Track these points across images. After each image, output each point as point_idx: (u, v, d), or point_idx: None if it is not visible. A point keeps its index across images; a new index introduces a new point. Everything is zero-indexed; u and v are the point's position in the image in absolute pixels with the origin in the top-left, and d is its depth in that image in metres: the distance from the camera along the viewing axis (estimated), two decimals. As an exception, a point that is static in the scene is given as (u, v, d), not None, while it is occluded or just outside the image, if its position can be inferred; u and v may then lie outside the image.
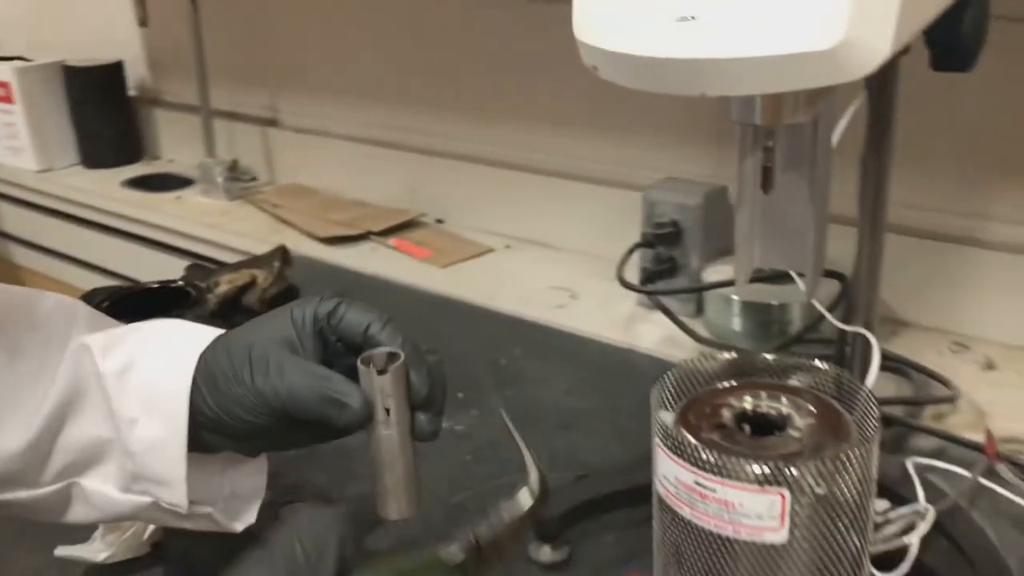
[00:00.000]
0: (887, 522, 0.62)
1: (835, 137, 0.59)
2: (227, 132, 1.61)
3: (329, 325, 0.55)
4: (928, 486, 0.67)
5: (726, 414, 0.55)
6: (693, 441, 0.51)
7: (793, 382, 0.59)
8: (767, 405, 0.56)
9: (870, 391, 0.55)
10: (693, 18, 0.39)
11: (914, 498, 0.65)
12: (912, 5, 0.39)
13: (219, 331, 0.57)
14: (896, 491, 0.66)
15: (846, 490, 0.50)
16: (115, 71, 1.72)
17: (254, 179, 1.61)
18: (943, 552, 0.62)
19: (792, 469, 0.49)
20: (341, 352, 0.55)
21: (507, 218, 1.30)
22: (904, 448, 0.77)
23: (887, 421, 0.79)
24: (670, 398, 0.57)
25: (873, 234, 0.59)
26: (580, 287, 1.14)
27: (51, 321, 0.58)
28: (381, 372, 0.50)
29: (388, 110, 1.41)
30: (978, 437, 0.75)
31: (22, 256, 1.85)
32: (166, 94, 1.77)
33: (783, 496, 0.49)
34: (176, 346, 0.56)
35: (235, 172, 1.52)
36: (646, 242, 1.01)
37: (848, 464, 0.49)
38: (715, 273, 1.00)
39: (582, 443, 0.82)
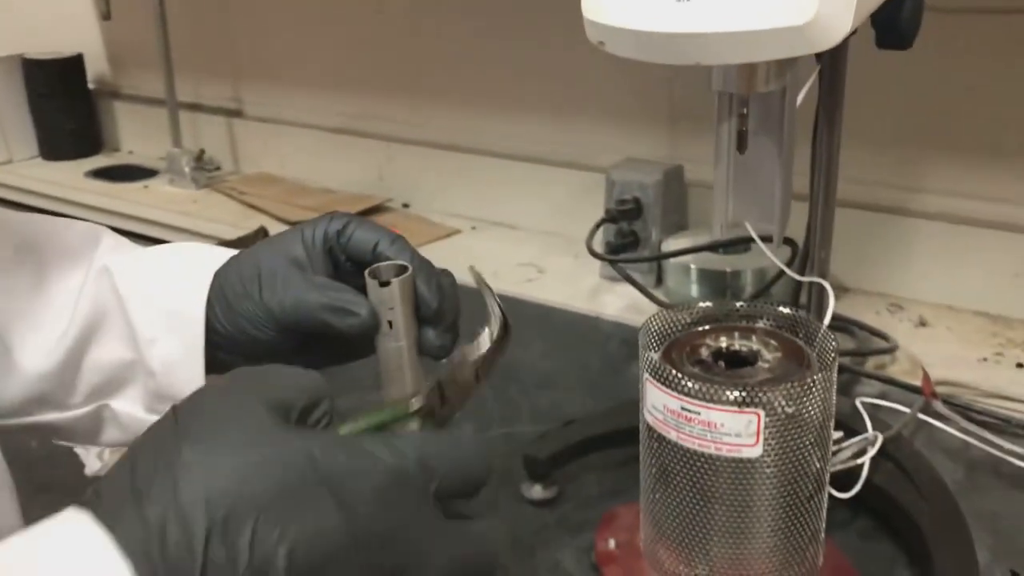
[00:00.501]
0: (841, 449, 0.71)
1: (798, 102, 0.67)
2: (191, 123, 1.65)
3: (339, 244, 0.55)
4: (875, 420, 0.76)
5: (704, 352, 0.63)
6: (678, 373, 0.59)
7: (760, 325, 0.67)
8: (739, 343, 0.64)
9: (826, 327, 0.63)
10: (688, -2, 0.47)
11: (864, 429, 0.74)
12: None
13: (234, 252, 0.58)
14: (848, 424, 0.75)
15: (811, 410, 0.58)
16: (75, 64, 1.74)
17: (218, 168, 1.64)
18: (890, 473, 0.71)
19: (765, 392, 0.57)
20: (351, 271, 0.55)
21: (472, 201, 1.36)
22: (853, 393, 0.86)
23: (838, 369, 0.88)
24: (654, 340, 0.65)
25: (827, 197, 0.67)
26: (546, 263, 1.21)
27: (76, 245, 0.59)
28: (385, 284, 0.50)
29: (351, 98, 1.47)
30: (916, 382, 0.84)
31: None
32: (126, 87, 1.79)
33: (758, 415, 0.57)
34: (192, 266, 0.57)
35: (201, 162, 1.56)
36: (610, 218, 1.09)
37: (812, 387, 0.58)
38: (673, 244, 1.09)
39: (561, 399, 0.90)
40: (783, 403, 0.57)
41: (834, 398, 0.61)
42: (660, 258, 1.07)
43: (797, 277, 0.72)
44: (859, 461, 0.68)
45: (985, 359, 0.93)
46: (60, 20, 1.78)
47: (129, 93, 1.78)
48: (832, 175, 0.67)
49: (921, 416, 0.79)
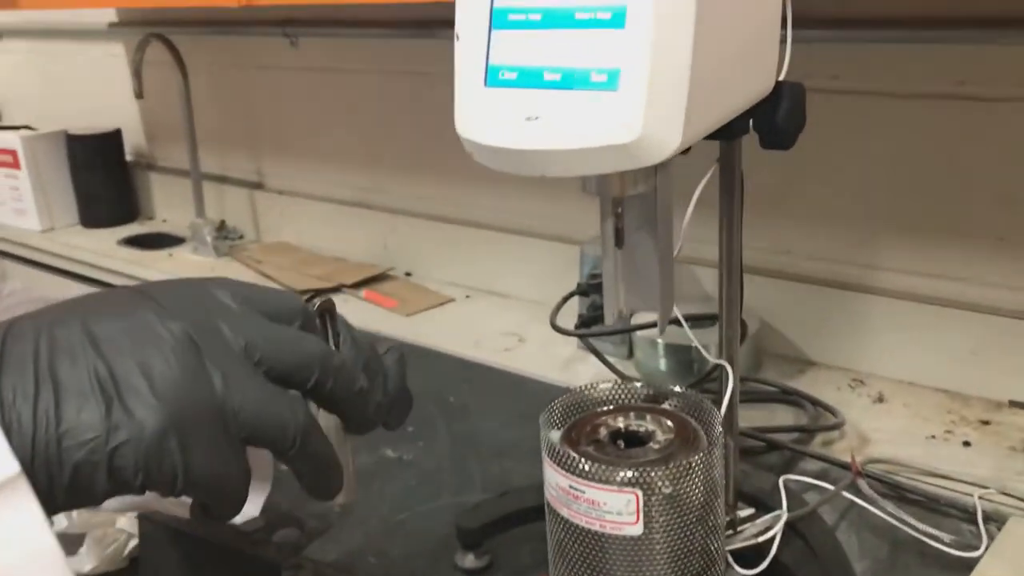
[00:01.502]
0: (747, 527, 0.73)
1: (692, 200, 0.71)
2: (217, 194, 1.75)
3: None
4: (793, 498, 0.78)
5: (602, 431, 0.67)
6: (569, 452, 0.63)
7: (665, 405, 0.71)
8: (635, 423, 0.68)
9: (714, 408, 0.67)
10: (538, 118, 0.52)
11: (779, 507, 0.76)
12: (702, 112, 0.52)
13: None
14: (765, 502, 0.77)
15: (693, 489, 0.62)
16: (114, 138, 1.86)
17: (241, 237, 1.73)
18: (798, 552, 0.73)
19: (644, 472, 0.61)
20: None
21: (468, 271, 1.42)
22: (791, 470, 0.88)
23: (773, 446, 0.90)
24: (557, 420, 0.69)
25: (730, 278, 0.71)
26: (527, 332, 1.26)
27: None
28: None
29: (360, 173, 1.55)
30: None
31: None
32: (160, 159, 1.90)
33: (637, 495, 0.61)
34: None
35: (223, 231, 1.65)
36: (581, 291, 1.13)
37: (691, 468, 0.61)
38: (641, 319, 1.12)
39: (512, 468, 0.94)
40: (661, 483, 0.61)
41: (719, 478, 0.64)
42: (620, 332, 1.10)
43: (709, 358, 0.75)
44: (761, 539, 0.70)
45: (934, 436, 0.94)
46: (100, 98, 1.91)
47: (163, 165, 1.89)
48: (732, 265, 0.71)
49: (846, 494, 0.80)
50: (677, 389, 0.70)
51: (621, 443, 0.67)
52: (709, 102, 0.52)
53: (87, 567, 0.80)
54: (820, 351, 1.11)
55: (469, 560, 0.80)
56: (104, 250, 1.74)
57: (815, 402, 0.99)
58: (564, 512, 0.64)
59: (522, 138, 0.52)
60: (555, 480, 0.64)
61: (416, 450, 0.99)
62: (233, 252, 1.65)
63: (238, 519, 0.47)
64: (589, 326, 1.14)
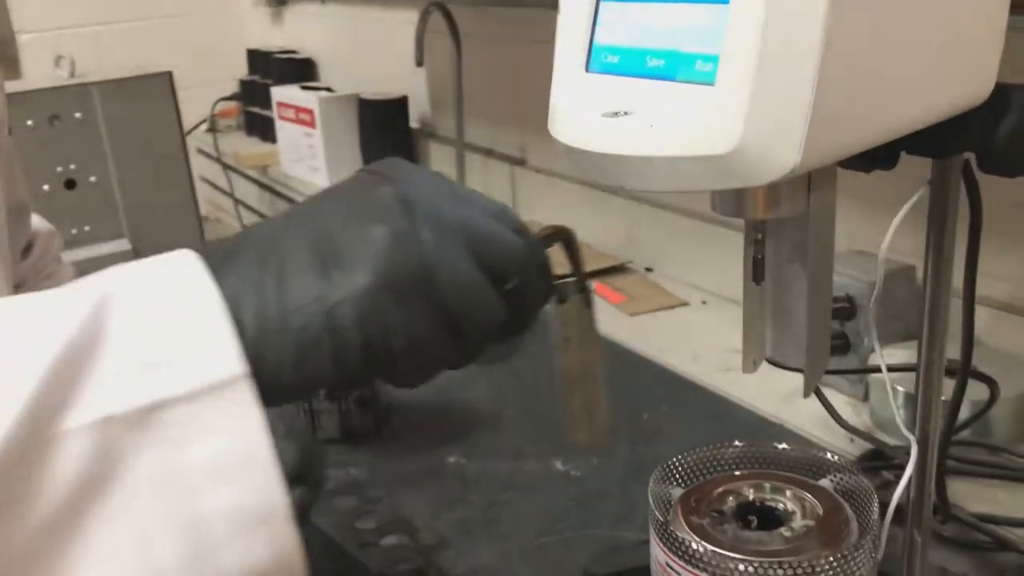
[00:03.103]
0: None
1: (890, 231, 0.56)
2: (483, 166, 1.74)
3: None
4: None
5: (730, 501, 0.55)
6: (660, 519, 0.52)
7: (826, 481, 0.57)
8: (771, 499, 0.55)
9: (872, 495, 0.52)
10: (627, 114, 0.41)
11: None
12: (841, 123, 0.39)
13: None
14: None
15: (810, 602, 0.48)
16: (400, 105, 1.91)
17: (501, 212, 1.72)
18: None
19: (750, 568, 0.48)
20: None
21: (711, 273, 1.30)
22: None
23: (1004, 544, 0.71)
24: (680, 479, 0.58)
25: (932, 333, 0.55)
26: (755, 353, 1.11)
27: None
28: (561, 301, 0.51)
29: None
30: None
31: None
32: (440, 128, 1.93)
33: (741, 595, 0.49)
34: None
35: (479, 205, 1.64)
36: (812, 316, 0.98)
37: (814, 573, 0.48)
38: (888, 357, 0.95)
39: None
40: (774, 586, 0.48)
41: (864, 591, 0.50)
42: (844, 372, 0.94)
43: (904, 431, 0.60)
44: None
45: None
46: (398, 64, 1.97)
47: (442, 135, 1.91)
48: (936, 319, 0.55)
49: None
50: (837, 460, 0.56)
51: (754, 520, 0.55)
52: (855, 109, 0.39)
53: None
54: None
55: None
56: (375, 212, 1.80)
57: (1085, 496, 0.78)
58: (660, 590, 0.53)
59: (600, 139, 0.42)
60: (654, 552, 0.53)
61: (587, 467, 0.91)
62: (488, 227, 1.63)
63: None
64: (818, 356, 0.98)
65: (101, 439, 0.35)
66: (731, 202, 0.46)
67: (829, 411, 0.93)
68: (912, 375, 0.90)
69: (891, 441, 0.90)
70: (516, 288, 0.42)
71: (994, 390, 0.80)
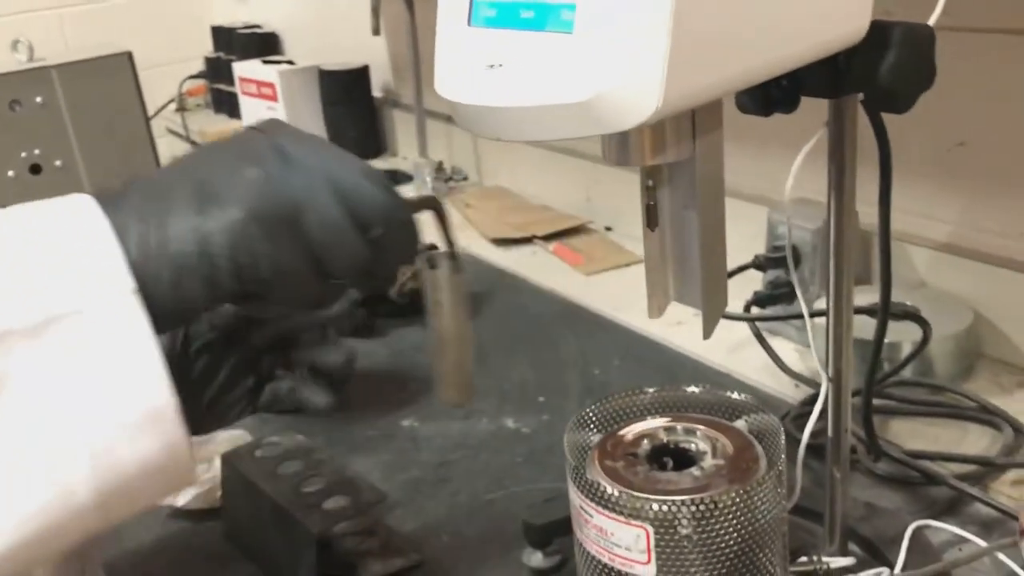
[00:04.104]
0: (843, 581, 0.59)
1: (792, 173, 0.57)
2: (446, 134, 1.74)
3: None
4: (925, 552, 0.62)
5: (644, 444, 0.56)
6: (573, 463, 0.53)
7: (741, 422, 0.58)
8: (684, 440, 0.56)
9: (780, 434, 0.54)
10: (501, 66, 0.42)
11: (895, 559, 0.61)
12: (703, 65, 0.39)
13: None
14: (883, 552, 0.62)
15: (721, 535, 0.50)
16: (361, 74, 1.90)
17: (466, 178, 1.72)
18: (904, 623, 0.58)
19: (656, 506, 0.50)
20: None
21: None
22: (954, 512, 0.71)
23: (931, 478, 0.73)
24: (596, 425, 0.59)
25: (839, 267, 0.56)
26: (707, 305, 1.13)
27: None
28: (432, 268, 0.53)
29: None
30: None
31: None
32: (403, 97, 1.93)
33: (647, 532, 0.50)
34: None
35: (440, 172, 1.64)
36: (756, 265, 0.99)
37: (717, 508, 0.49)
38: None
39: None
40: (680, 522, 0.50)
41: (778, 521, 0.51)
42: (783, 318, 0.95)
43: (822, 372, 0.61)
44: (842, 601, 0.56)
45: None
46: (360, 34, 1.96)
47: (406, 103, 1.91)
48: (842, 252, 0.56)
49: (1004, 559, 0.63)
50: (747, 400, 0.57)
51: (669, 462, 0.56)
52: (715, 52, 0.39)
53: (180, 501, 0.82)
54: (1053, 363, 0.89)
55: (536, 559, 0.72)
56: (340, 184, 1.80)
57: (1016, 427, 0.80)
58: (578, 534, 0.55)
59: (476, 92, 0.42)
60: (571, 496, 0.55)
61: (538, 424, 0.92)
62: (451, 194, 1.64)
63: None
64: (765, 305, 0.99)
65: (2, 349, 0.39)
66: (618, 149, 0.47)
67: (773, 358, 0.94)
68: (862, 320, 0.92)
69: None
70: (380, 237, 0.45)
71: (927, 330, 0.82)
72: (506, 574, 0.72)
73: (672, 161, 0.47)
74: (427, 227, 0.51)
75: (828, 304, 0.58)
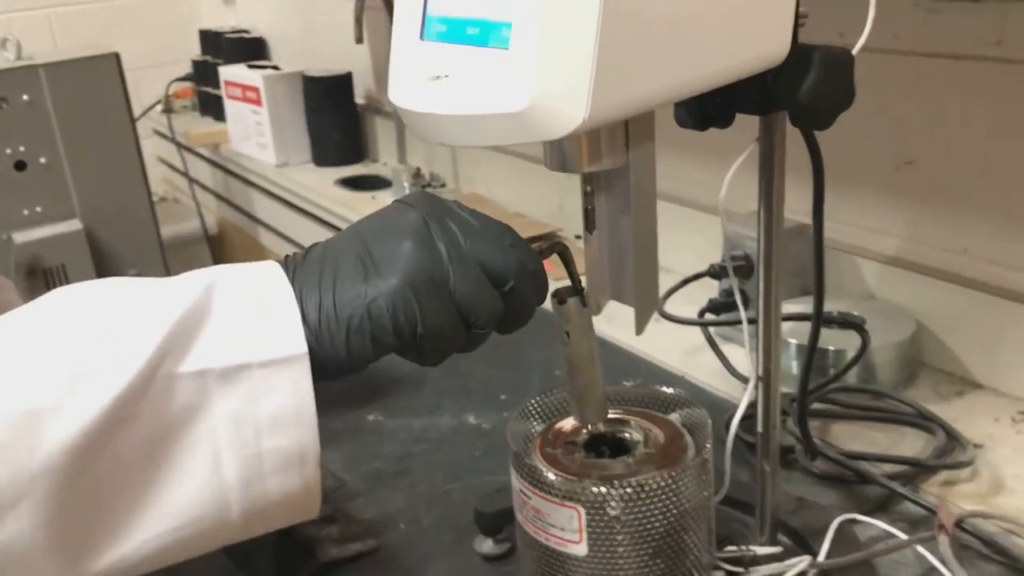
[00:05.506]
0: (769, 567, 0.63)
1: (723, 189, 0.61)
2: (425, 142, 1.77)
3: None
4: (849, 543, 0.66)
5: (583, 434, 0.60)
6: (515, 449, 0.57)
7: (675, 415, 0.62)
8: (620, 430, 0.60)
9: (707, 427, 0.57)
10: (447, 76, 0.46)
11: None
12: (627, 81, 0.43)
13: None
14: (809, 543, 0.66)
15: (648, 517, 0.54)
16: (344, 81, 1.94)
17: (443, 185, 1.76)
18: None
19: (588, 489, 0.53)
20: None
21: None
22: (887, 510, 0.75)
23: (864, 478, 0.77)
24: (539, 415, 0.63)
25: (768, 274, 0.60)
26: (672, 308, 1.16)
27: None
28: (561, 303, 0.58)
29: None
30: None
31: (266, 239, 2.14)
32: (385, 104, 1.97)
33: (579, 512, 0.54)
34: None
35: (418, 179, 1.68)
36: (712, 273, 1.03)
37: (644, 491, 0.53)
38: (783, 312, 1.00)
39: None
40: (609, 503, 0.53)
41: (703, 507, 0.55)
42: (727, 324, 0.99)
43: (739, 369, 0.65)
44: (766, 585, 0.60)
45: (1093, 498, 0.76)
46: (337, 41, 2.00)
47: (387, 110, 1.95)
48: (771, 261, 0.60)
49: (923, 551, 0.67)
50: (680, 395, 0.61)
51: (606, 451, 0.60)
52: (640, 69, 0.43)
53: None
54: (988, 372, 0.93)
55: (487, 546, 0.76)
56: (320, 188, 1.83)
57: (949, 432, 0.84)
58: (519, 515, 0.58)
59: (422, 100, 0.46)
60: (512, 481, 0.58)
61: (498, 420, 0.96)
62: (428, 199, 1.67)
63: None
64: (719, 312, 1.03)
65: (198, 384, 0.48)
66: (557, 157, 0.51)
67: (724, 363, 0.98)
68: (795, 329, 0.96)
69: (783, 389, 0.95)
70: (512, 289, 0.52)
71: (865, 338, 0.86)
72: (459, 560, 0.76)
73: (607, 169, 0.51)
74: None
75: (759, 306, 0.62)
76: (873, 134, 1.00)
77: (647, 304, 0.54)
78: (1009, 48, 0.86)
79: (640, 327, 0.55)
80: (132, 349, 0.46)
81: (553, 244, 0.56)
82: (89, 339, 0.47)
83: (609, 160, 0.50)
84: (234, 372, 0.48)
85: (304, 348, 0.49)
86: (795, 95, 0.51)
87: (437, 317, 0.50)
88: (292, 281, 0.50)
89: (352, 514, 0.81)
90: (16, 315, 0.49)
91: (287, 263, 0.52)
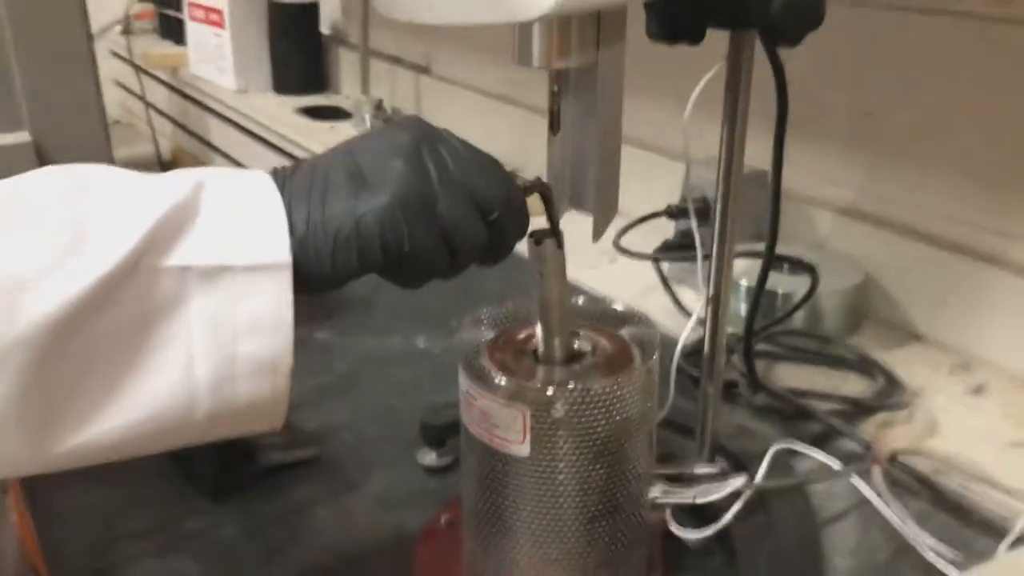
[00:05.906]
0: (708, 485, 0.64)
1: (691, 101, 0.61)
2: (389, 74, 1.75)
3: None
4: (784, 470, 0.68)
5: (532, 343, 0.60)
6: (476, 356, 0.57)
7: (625, 331, 0.62)
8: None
9: (655, 342, 0.58)
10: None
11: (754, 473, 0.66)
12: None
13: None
14: (745, 466, 0.67)
15: (591, 421, 0.54)
16: (311, 10, 1.91)
17: (405, 121, 1.74)
18: (756, 529, 0.63)
19: (536, 390, 0.54)
20: None
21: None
22: (823, 444, 0.76)
23: (803, 412, 0.78)
24: (491, 325, 0.63)
25: (724, 207, 0.61)
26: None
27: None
28: (537, 243, 0.58)
29: (510, 66, 1.49)
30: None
31: (221, 165, 2.11)
32: (351, 36, 1.94)
33: (524, 414, 0.54)
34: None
35: (380, 111, 1.66)
36: (670, 214, 1.03)
37: (588, 395, 0.53)
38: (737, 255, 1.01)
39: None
40: (553, 405, 0.54)
41: (643, 418, 0.56)
42: (680, 260, 1.00)
43: (696, 296, 0.65)
44: (699, 501, 0.61)
45: (1020, 445, 0.78)
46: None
47: (352, 42, 1.92)
48: (729, 191, 0.60)
49: (854, 481, 0.68)
50: (632, 312, 0.62)
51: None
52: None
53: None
54: (929, 325, 0.95)
55: (430, 458, 0.76)
56: (280, 116, 1.80)
57: (889, 377, 0.85)
58: (464, 417, 0.59)
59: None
60: (461, 381, 0.58)
61: (448, 345, 0.96)
62: (389, 133, 1.66)
63: None
64: (674, 253, 1.04)
65: (179, 280, 0.47)
66: (526, 51, 0.50)
67: (675, 302, 0.99)
68: (747, 272, 0.97)
69: (730, 329, 0.97)
70: (497, 219, 0.53)
71: (814, 279, 0.87)
72: (401, 470, 0.76)
73: (576, 67, 0.50)
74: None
75: (713, 230, 0.62)
76: (833, 85, 1.01)
77: (606, 211, 0.54)
78: (971, 3, 0.87)
79: (598, 234, 0.55)
80: (118, 234, 0.46)
81: (537, 183, 0.56)
82: (77, 217, 0.46)
83: (578, 57, 0.50)
84: (216, 273, 0.47)
85: (288, 257, 0.48)
86: (767, 8, 0.51)
87: (423, 238, 0.50)
88: (281, 191, 0.50)
89: (296, 424, 0.81)
90: (6, 184, 0.48)
91: (276, 174, 0.52)
